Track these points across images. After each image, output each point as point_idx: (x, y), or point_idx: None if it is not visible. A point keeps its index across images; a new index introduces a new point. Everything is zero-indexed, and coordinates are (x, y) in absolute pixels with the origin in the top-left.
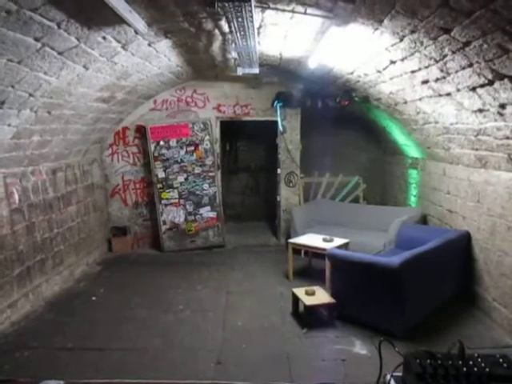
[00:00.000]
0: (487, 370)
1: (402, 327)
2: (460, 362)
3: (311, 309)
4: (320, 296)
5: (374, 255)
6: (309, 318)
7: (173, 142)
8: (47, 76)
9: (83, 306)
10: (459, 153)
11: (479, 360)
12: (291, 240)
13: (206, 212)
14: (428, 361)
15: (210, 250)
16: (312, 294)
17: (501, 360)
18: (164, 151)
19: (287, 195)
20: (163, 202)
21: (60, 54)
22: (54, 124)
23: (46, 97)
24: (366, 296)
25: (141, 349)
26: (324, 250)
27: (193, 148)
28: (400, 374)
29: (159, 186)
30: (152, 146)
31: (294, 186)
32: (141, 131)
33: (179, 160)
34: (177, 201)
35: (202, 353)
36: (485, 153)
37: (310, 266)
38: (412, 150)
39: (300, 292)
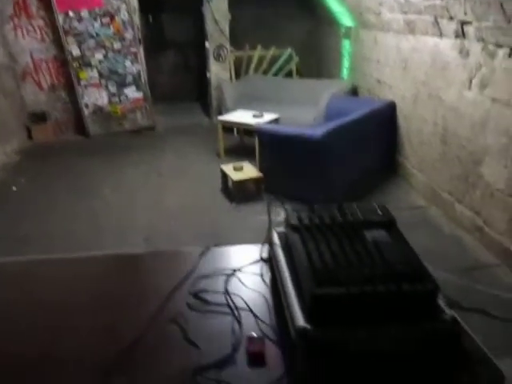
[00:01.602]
0: (362, 218)
1: (325, 198)
2: (337, 213)
3: (239, 184)
4: (248, 171)
5: (300, 128)
6: (237, 193)
7: (84, 13)
8: None
9: (2, 196)
10: (390, 18)
11: (357, 210)
12: (221, 117)
13: (132, 92)
14: (306, 213)
15: (140, 133)
16: (240, 169)
17: (378, 209)
18: (75, 24)
19: (217, 71)
20: (82, 82)
21: None
22: None
23: None
24: (292, 169)
25: (67, 235)
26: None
27: (108, 19)
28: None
29: (75, 64)
30: (60, 19)
31: (224, 61)
32: (45, 0)
33: (94, 34)
34: (97, 81)
35: (130, 233)
36: (413, 16)
37: (241, 144)
38: (346, 19)
39: (228, 168)
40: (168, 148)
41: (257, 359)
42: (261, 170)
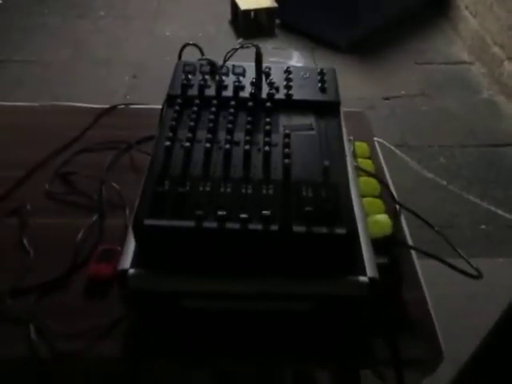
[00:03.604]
0: (286, 92)
1: (349, 38)
2: (252, 79)
3: (248, 14)
4: None
5: None
6: (245, 25)
7: None
8: None
9: None
10: None
11: (285, 77)
12: None
13: None
14: (201, 76)
15: None
16: None
17: (320, 78)
18: None
19: None
20: None
21: None
22: None
23: None
24: None
25: (47, 61)
26: None
27: None
28: None
29: None
30: None
31: None
32: None
33: None
34: None
35: (118, 66)
36: None
37: None
38: None
39: None
40: None
41: (99, 286)
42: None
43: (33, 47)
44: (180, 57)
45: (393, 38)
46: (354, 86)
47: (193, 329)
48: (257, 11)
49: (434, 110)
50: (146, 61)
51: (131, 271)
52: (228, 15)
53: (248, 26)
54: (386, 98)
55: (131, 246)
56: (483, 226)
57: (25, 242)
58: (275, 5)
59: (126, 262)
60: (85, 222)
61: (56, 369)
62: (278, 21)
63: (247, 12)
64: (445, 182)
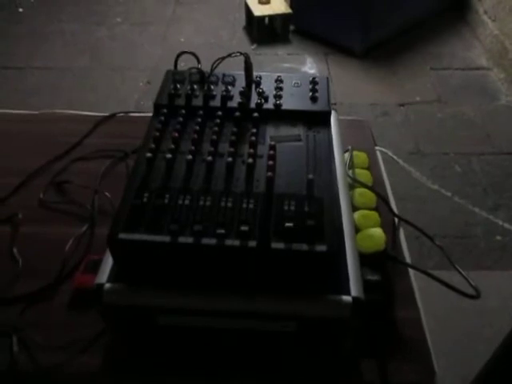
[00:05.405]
0: (275, 101)
1: (363, 44)
2: (243, 89)
3: (262, 20)
4: (275, 5)
5: None
6: (259, 31)
7: None
8: None
9: (6, 19)
10: None
11: (275, 85)
12: None
13: None
14: (189, 83)
15: None
16: (266, 2)
17: (312, 85)
18: None
19: None
20: None
21: None
22: None
23: None
24: (329, 3)
25: (64, 67)
26: None
27: None
28: None
29: None
30: None
31: None
32: None
33: None
34: None
35: (132, 72)
36: None
37: None
38: None
39: (252, 2)
40: None
41: (84, 297)
42: (290, 4)
43: (50, 54)
44: (176, 65)
45: (408, 43)
46: (368, 92)
47: (170, 346)
48: (271, 17)
49: (450, 116)
50: (160, 67)
51: (107, 286)
52: (243, 21)
53: (262, 32)
54: (401, 105)
55: (110, 259)
56: (499, 237)
57: (14, 250)
58: (290, 11)
59: (104, 276)
60: (75, 231)
61: (36, 382)
62: (292, 27)
63: (261, 18)
64: (449, 194)
